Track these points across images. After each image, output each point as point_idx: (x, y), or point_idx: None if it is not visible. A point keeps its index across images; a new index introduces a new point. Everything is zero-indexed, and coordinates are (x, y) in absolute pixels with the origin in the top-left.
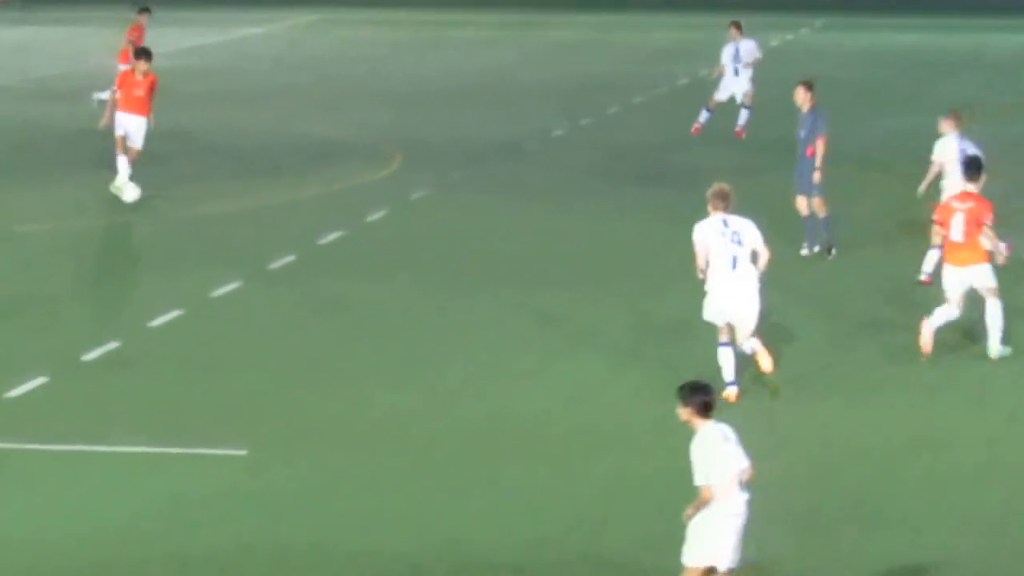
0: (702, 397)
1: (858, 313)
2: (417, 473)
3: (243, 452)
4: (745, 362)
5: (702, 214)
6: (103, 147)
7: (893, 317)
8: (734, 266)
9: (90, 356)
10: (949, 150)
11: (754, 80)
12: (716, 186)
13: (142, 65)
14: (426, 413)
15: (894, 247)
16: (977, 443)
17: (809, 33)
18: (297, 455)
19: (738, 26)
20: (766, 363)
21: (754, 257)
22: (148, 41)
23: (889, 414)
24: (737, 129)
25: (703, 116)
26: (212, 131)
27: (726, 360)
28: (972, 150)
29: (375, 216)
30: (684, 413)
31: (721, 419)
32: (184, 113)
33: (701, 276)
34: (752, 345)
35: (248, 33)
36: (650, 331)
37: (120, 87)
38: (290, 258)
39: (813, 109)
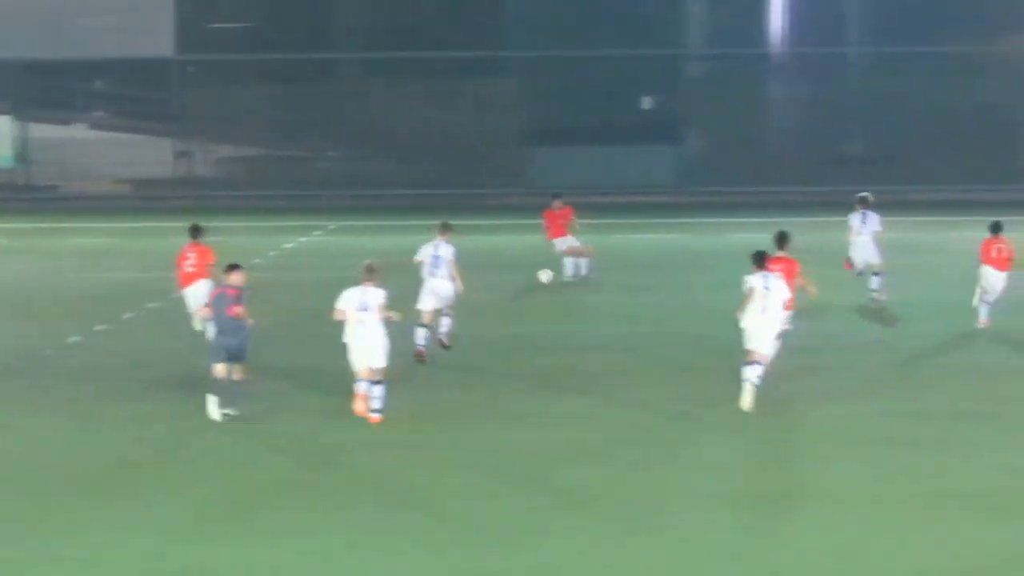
0: None
1: None
2: None
3: None
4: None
5: None
6: None
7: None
8: (362, 324)
9: None
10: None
11: None
12: (367, 262)
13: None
14: None
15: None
16: None
17: (323, 235)
18: None
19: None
20: (375, 418)
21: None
22: None
23: None
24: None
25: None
26: None
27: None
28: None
29: None
30: None
31: None
32: None
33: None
34: (377, 394)
35: None
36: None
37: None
38: None
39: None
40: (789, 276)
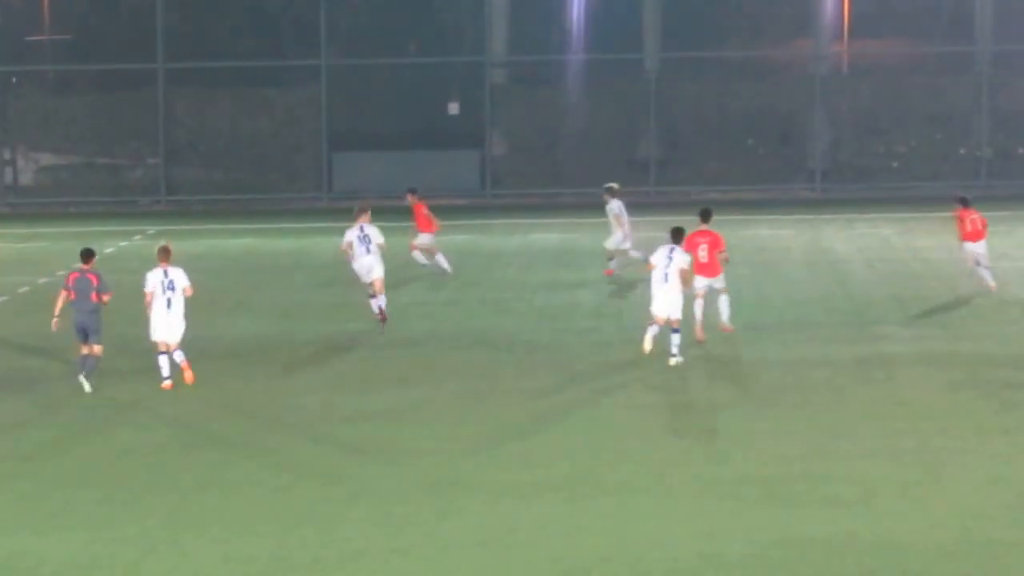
0: None
1: None
2: None
3: None
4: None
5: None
6: None
7: None
8: (169, 305)
9: None
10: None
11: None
12: (162, 244)
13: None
14: None
15: None
16: None
17: (143, 240)
18: None
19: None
20: (189, 375)
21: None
22: None
23: None
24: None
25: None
26: None
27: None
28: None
29: None
30: None
31: None
32: None
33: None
34: (179, 357)
35: None
36: None
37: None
38: None
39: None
40: (714, 246)
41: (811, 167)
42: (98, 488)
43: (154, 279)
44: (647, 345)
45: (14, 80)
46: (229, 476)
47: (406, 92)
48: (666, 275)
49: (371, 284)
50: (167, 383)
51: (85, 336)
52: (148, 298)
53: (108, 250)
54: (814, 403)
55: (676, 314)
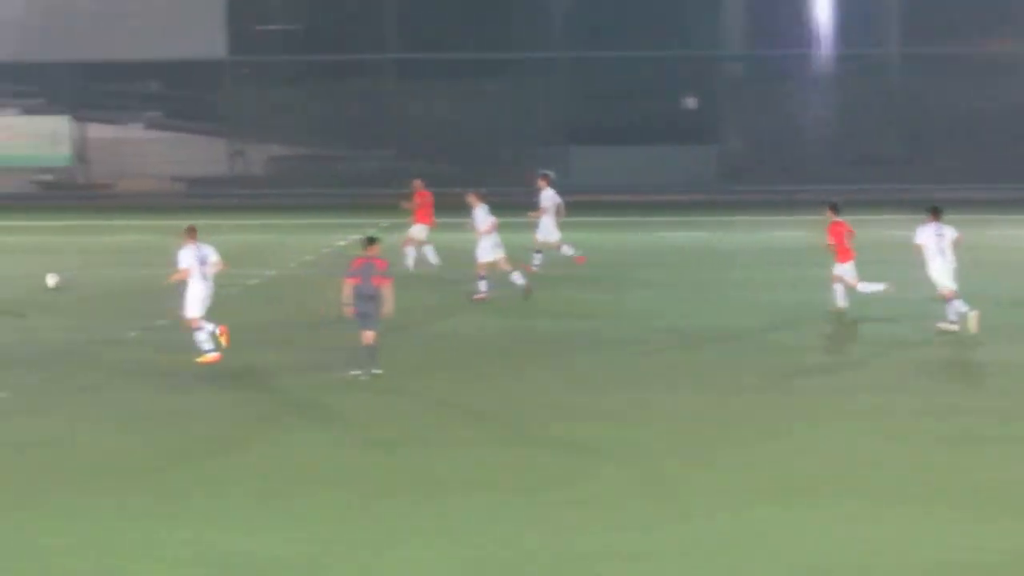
0: None
1: None
2: None
3: None
4: None
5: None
6: None
7: None
8: (205, 278)
9: None
10: None
11: None
12: (188, 224)
13: None
14: None
15: None
16: None
17: (376, 233)
18: None
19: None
20: (222, 340)
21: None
22: None
23: None
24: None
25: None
26: None
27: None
28: None
29: None
30: None
31: None
32: None
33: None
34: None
35: None
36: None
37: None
38: None
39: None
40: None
41: None
42: (327, 488)
43: (189, 257)
44: (972, 324)
45: (246, 71)
46: (458, 478)
47: (640, 86)
48: (942, 249)
49: (498, 262)
50: (214, 355)
51: (363, 324)
52: (184, 274)
53: (340, 242)
54: None
55: (953, 284)
